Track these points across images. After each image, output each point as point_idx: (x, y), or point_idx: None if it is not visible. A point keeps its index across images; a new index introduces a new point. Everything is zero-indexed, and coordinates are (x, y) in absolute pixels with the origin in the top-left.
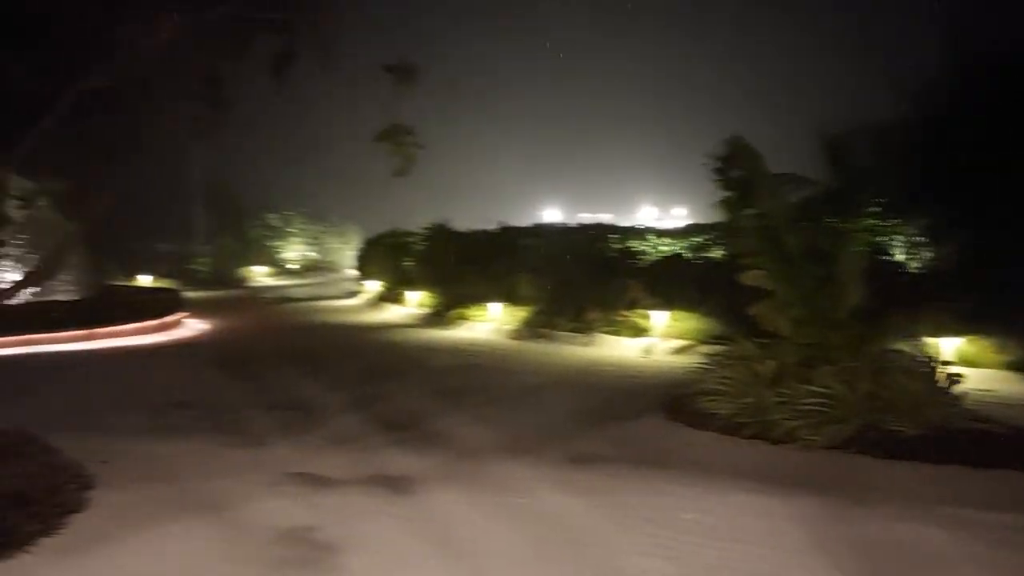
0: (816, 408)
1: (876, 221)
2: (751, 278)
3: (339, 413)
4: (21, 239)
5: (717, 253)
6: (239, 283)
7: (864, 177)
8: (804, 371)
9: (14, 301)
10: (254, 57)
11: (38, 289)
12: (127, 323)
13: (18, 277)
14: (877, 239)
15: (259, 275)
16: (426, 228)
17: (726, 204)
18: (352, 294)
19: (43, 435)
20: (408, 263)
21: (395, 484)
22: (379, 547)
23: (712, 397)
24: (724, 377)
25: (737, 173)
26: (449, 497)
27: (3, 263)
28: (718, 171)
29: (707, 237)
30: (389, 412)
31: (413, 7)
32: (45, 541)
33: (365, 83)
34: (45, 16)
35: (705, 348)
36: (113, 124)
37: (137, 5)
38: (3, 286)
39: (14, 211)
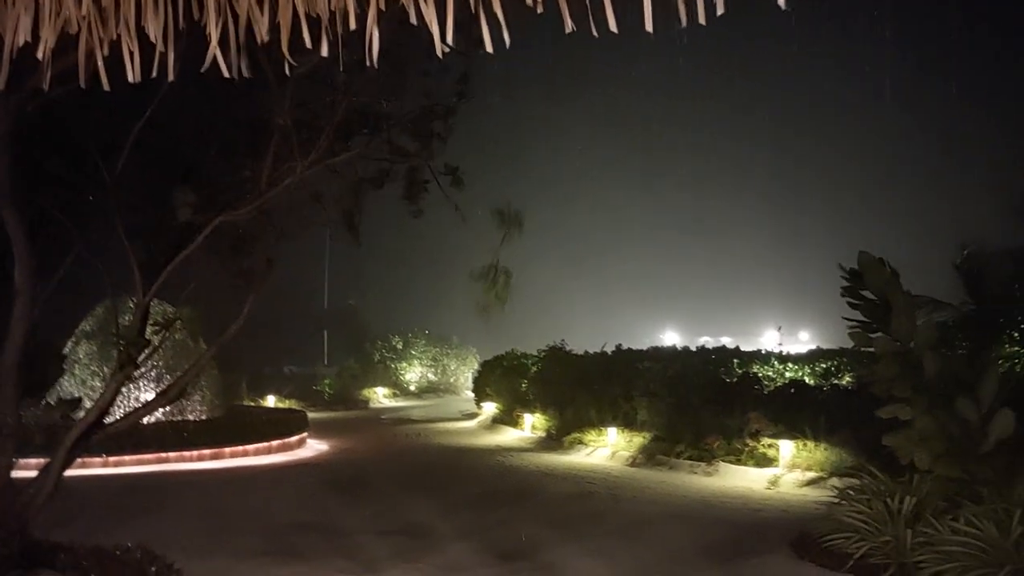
0: (963, 551)
1: (1018, 348)
2: (887, 408)
3: (453, 539)
4: (158, 360)
5: (845, 379)
6: (360, 404)
7: (1005, 301)
8: (947, 509)
9: (147, 419)
10: (386, 187)
11: (170, 408)
12: (252, 443)
13: (151, 396)
14: (1019, 367)
15: (380, 396)
16: (542, 350)
17: (857, 327)
18: (469, 416)
19: (165, 553)
20: (524, 385)
21: None
22: None
23: (845, 535)
24: (857, 513)
25: (869, 293)
26: None
27: (141, 383)
28: (848, 290)
29: (833, 362)
30: (503, 540)
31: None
32: None
33: (479, 222)
34: (198, 153)
35: (836, 481)
36: (248, 253)
37: (281, 145)
38: (137, 405)
39: (153, 335)
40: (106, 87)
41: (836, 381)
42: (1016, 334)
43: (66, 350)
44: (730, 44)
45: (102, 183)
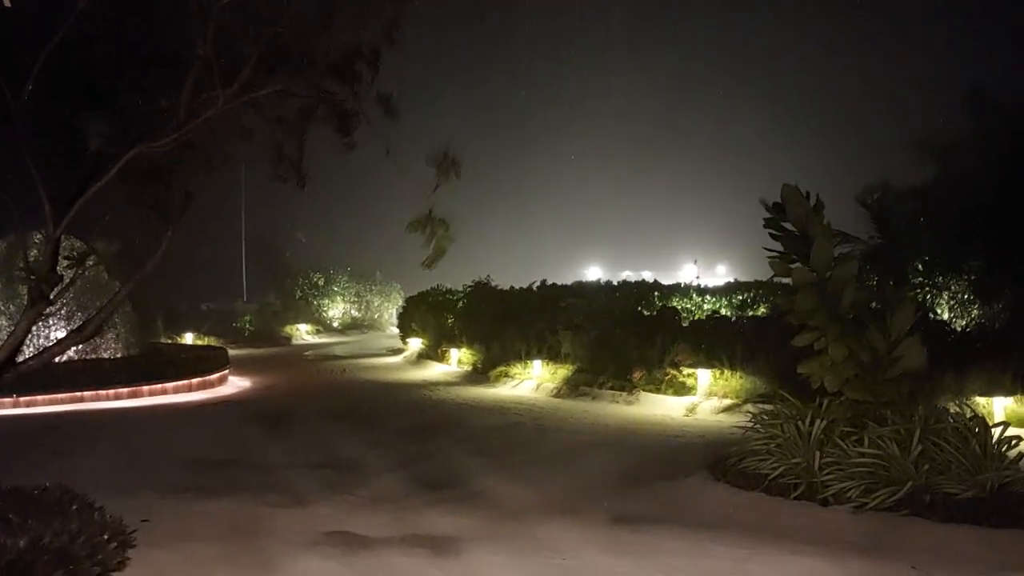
0: (867, 469)
1: (921, 279)
2: (802, 336)
3: (381, 472)
4: (69, 297)
5: (760, 310)
6: (282, 340)
7: (908, 235)
8: (853, 431)
9: (60, 359)
10: (313, 121)
11: (83, 347)
12: (171, 381)
13: (64, 335)
14: (923, 297)
15: (303, 333)
16: (468, 286)
17: (777, 257)
18: (394, 352)
19: (86, 492)
20: (450, 321)
21: (436, 544)
22: None
23: (759, 457)
24: (771, 436)
25: (790, 225)
26: (491, 558)
27: (51, 321)
28: (770, 222)
29: (749, 295)
30: (431, 471)
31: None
32: None
33: (410, 167)
34: (112, 80)
35: (750, 407)
36: (166, 186)
37: (202, 76)
38: (50, 343)
39: (64, 270)
40: (7, 2)
41: (752, 312)
42: (920, 266)
43: None
44: None
45: (7, 110)
